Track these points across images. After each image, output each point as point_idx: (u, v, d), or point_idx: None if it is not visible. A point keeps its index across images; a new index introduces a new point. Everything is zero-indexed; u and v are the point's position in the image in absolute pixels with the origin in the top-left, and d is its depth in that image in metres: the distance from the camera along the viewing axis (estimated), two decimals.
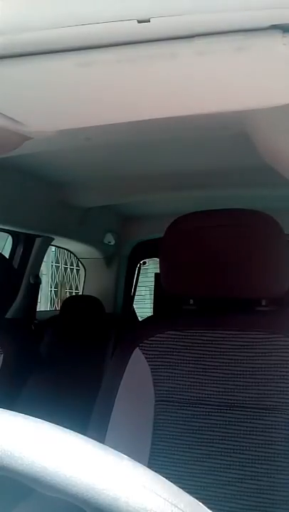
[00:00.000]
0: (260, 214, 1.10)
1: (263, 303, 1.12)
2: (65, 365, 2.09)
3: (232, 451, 1.01)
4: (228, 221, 1.12)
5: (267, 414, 1.01)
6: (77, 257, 2.78)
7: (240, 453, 1.01)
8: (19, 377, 1.42)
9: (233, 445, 1.01)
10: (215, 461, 1.02)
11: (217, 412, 1.04)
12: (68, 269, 5.38)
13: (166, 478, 0.32)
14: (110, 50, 0.61)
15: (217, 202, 1.39)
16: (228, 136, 1.22)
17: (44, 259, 2.36)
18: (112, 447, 0.32)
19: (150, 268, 3.13)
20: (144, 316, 2.90)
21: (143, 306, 4.03)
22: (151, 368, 1.10)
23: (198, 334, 1.11)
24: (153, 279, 2.83)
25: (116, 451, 0.32)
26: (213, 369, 1.07)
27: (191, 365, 1.09)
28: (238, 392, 1.04)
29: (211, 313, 1.14)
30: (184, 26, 0.56)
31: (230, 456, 1.01)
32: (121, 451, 0.32)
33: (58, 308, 2.74)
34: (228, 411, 1.04)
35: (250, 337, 1.07)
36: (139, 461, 0.32)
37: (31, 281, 2.19)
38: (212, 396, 1.05)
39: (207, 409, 1.05)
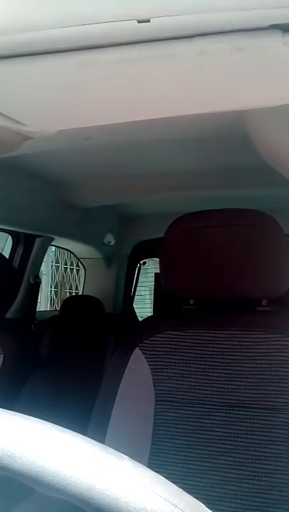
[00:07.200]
0: (260, 214, 1.10)
1: (263, 303, 1.12)
2: (65, 365, 2.09)
3: (232, 451, 1.01)
4: (228, 221, 1.12)
5: (267, 414, 1.01)
6: (77, 257, 2.77)
7: (240, 453, 1.01)
8: (19, 377, 1.41)
9: (233, 445, 1.01)
10: (215, 461, 1.02)
11: (217, 412, 1.04)
12: (68, 269, 5.38)
13: (166, 478, 0.32)
14: (110, 50, 0.61)
15: (217, 202, 1.39)
16: (228, 136, 1.22)
17: (44, 259, 2.36)
18: (112, 447, 0.32)
19: (150, 268, 3.13)
20: (144, 316, 2.90)
21: (143, 306, 4.03)
22: (151, 368, 1.10)
23: (198, 334, 1.11)
24: (153, 279, 2.83)
25: (116, 451, 0.32)
26: (213, 369, 1.07)
27: (191, 365, 1.09)
28: (238, 392, 1.04)
29: (211, 313, 1.14)
30: (184, 26, 0.56)
31: (231, 456, 1.01)
32: (121, 451, 0.32)
33: (58, 308, 2.74)
34: (228, 411, 1.04)
35: (250, 337, 1.06)
36: (139, 461, 0.32)
37: (31, 281, 2.18)
38: (212, 396, 1.05)
39: (207, 409, 1.05)
